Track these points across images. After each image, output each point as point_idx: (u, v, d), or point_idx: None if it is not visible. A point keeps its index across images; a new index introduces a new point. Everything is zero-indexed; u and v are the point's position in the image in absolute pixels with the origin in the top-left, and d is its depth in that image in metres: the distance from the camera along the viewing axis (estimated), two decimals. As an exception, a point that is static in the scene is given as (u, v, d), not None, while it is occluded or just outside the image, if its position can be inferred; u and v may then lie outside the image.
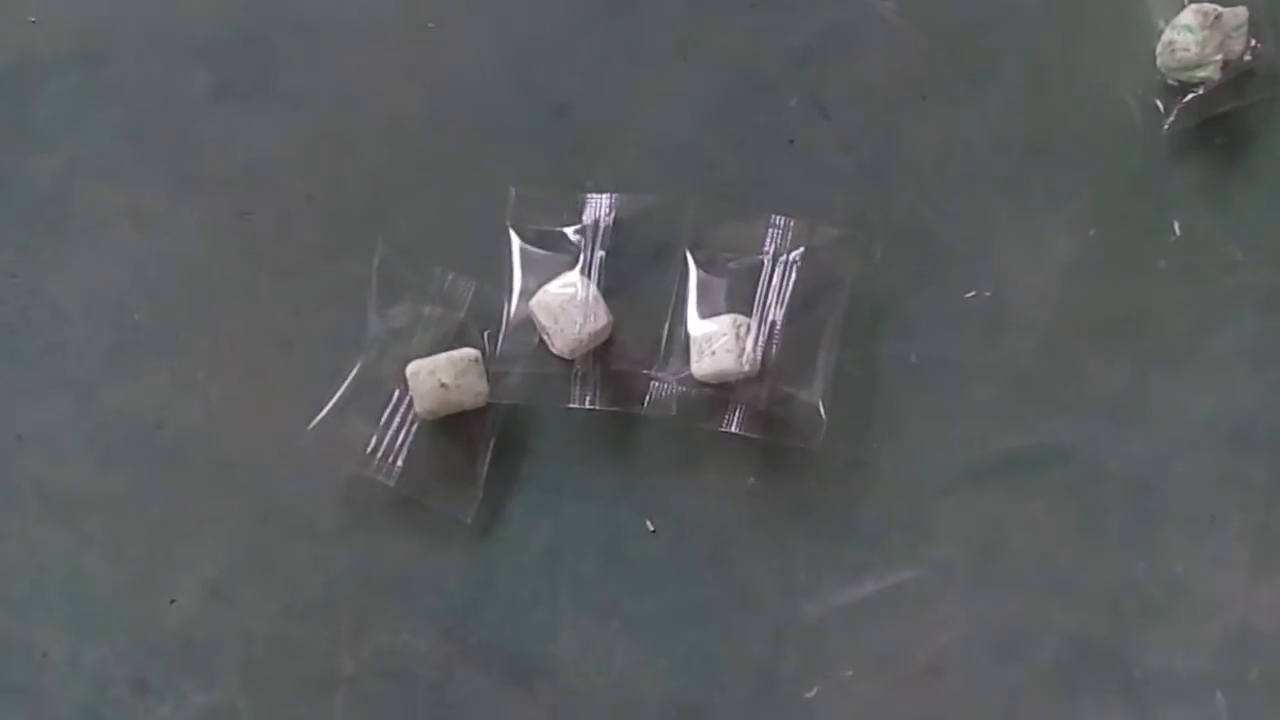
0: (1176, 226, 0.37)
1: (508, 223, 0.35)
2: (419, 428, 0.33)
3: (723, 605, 0.34)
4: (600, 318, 0.33)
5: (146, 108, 0.36)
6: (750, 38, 0.37)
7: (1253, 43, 0.37)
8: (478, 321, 0.34)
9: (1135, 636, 0.35)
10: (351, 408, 0.33)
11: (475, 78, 0.37)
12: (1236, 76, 0.37)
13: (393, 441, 0.33)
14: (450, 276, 0.34)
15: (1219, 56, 0.36)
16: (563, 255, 0.35)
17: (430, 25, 0.37)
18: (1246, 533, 0.35)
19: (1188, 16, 0.37)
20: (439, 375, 0.33)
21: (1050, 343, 0.36)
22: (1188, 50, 0.36)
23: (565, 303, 0.33)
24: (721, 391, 0.34)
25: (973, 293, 0.36)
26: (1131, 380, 0.36)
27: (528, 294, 0.34)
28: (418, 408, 0.33)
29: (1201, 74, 0.37)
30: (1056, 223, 0.37)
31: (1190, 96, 0.37)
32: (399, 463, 0.33)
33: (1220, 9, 0.37)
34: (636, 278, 0.35)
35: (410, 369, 0.33)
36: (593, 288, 0.34)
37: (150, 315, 0.35)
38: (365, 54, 0.36)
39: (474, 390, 0.33)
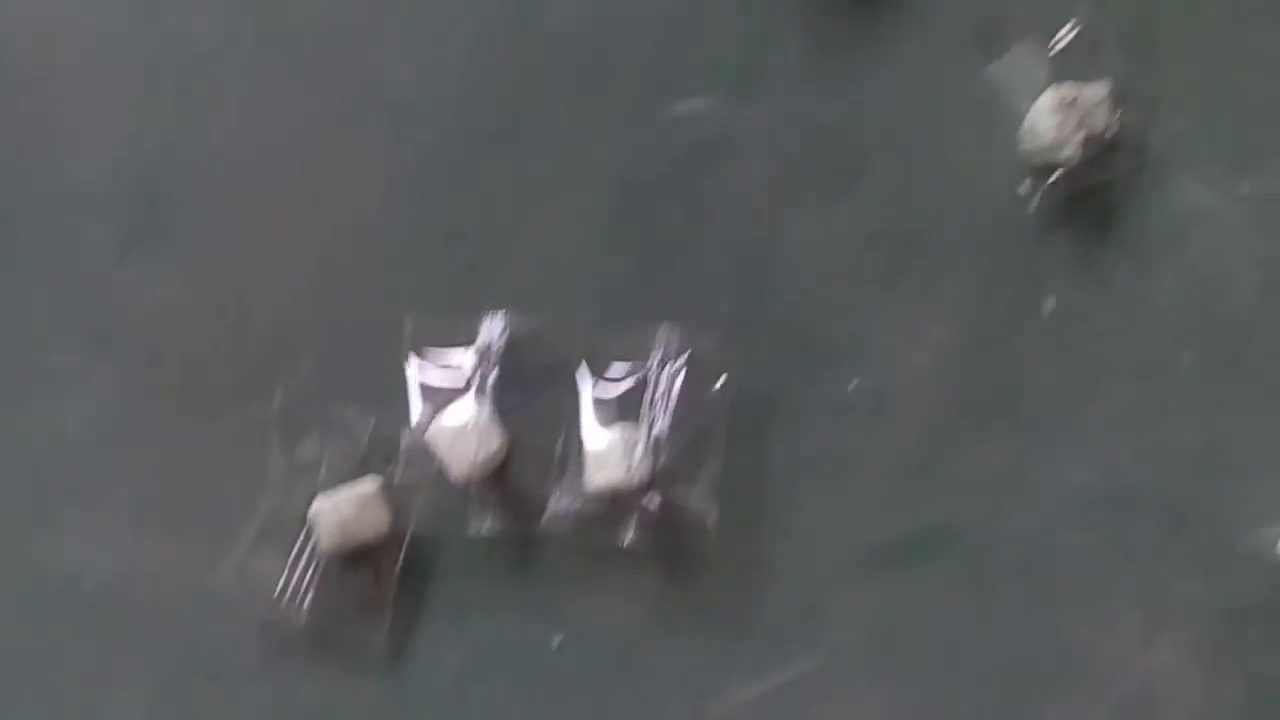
0: (1050, 300, 0.39)
1: (405, 352, 0.37)
2: (327, 563, 0.35)
3: (631, 714, 0.36)
4: (493, 441, 0.35)
5: (54, 267, 0.38)
6: (630, 152, 0.39)
7: (1115, 115, 0.39)
8: (381, 452, 0.36)
9: (1035, 710, 0.36)
10: (262, 548, 0.35)
11: (370, 211, 0.39)
12: (1100, 151, 0.39)
13: (301, 579, 0.35)
14: (350, 411, 0.36)
15: (1080, 135, 0.38)
16: (459, 380, 0.36)
17: (323, 164, 0.39)
18: (1137, 597, 0.37)
19: (1046, 101, 0.38)
20: (340, 511, 0.34)
21: (933, 425, 0.37)
22: (1048, 133, 0.38)
23: (459, 430, 0.35)
24: (616, 504, 0.36)
25: (855, 382, 0.38)
26: (1014, 456, 0.37)
27: (424, 423, 0.36)
28: (323, 544, 0.35)
29: (1064, 154, 0.38)
30: (932, 309, 0.38)
31: (1055, 176, 0.39)
32: (308, 599, 0.35)
33: (1078, 91, 0.38)
34: (532, 396, 0.37)
35: (312, 509, 0.34)
36: (487, 411, 0.35)
37: (67, 471, 0.37)
38: (261, 198, 0.38)
39: (376, 523, 0.35)
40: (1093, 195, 0.39)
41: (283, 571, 0.35)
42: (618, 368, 0.37)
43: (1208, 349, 0.39)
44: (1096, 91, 0.39)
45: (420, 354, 0.37)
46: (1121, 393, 0.38)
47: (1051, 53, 0.38)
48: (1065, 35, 0.39)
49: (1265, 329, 0.39)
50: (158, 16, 0.41)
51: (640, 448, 0.35)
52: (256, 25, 0.41)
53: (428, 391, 0.36)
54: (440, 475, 0.36)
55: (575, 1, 0.41)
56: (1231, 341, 0.39)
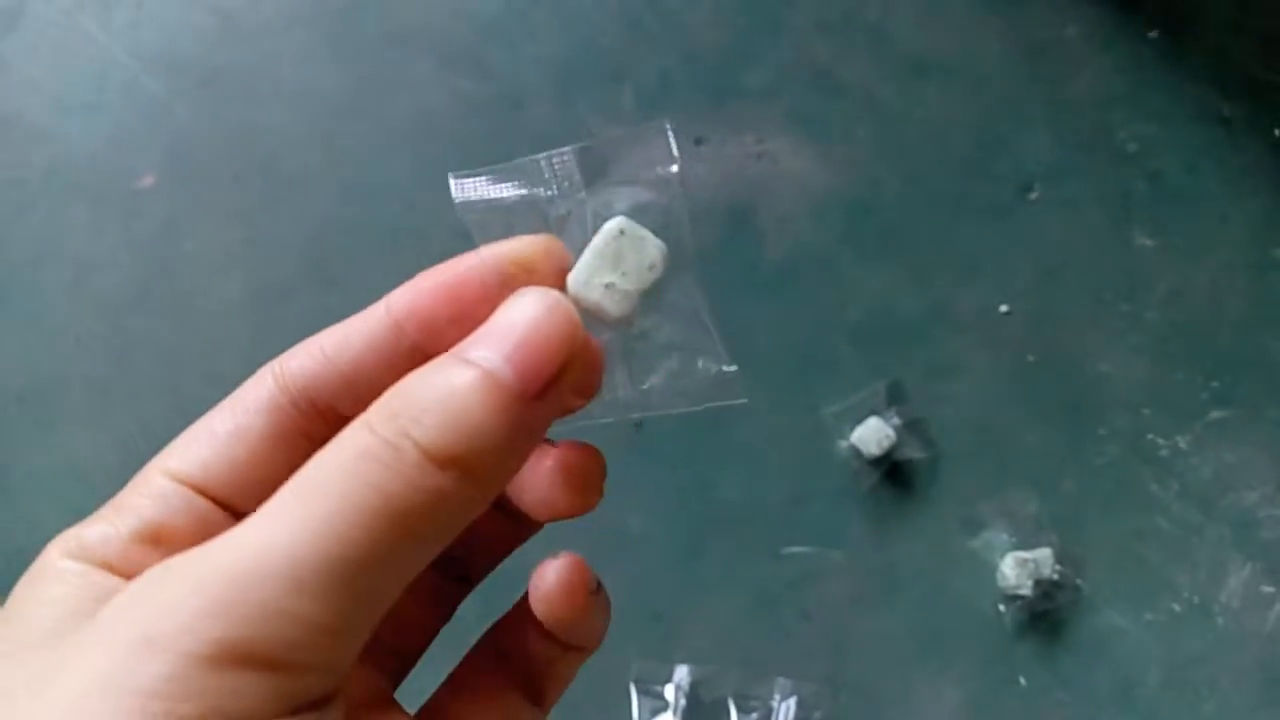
0: (1022, 679, 0.63)
1: (628, 685, 0.62)
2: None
3: None
4: (682, 741, 0.60)
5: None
6: (763, 577, 0.66)
7: (1058, 567, 0.65)
8: (614, 744, 0.61)
9: None
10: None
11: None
12: (1049, 588, 0.65)
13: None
14: None
15: (1031, 580, 0.64)
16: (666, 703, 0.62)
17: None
18: None
19: (1009, 561, 0.65)
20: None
21: (949, 755, 0.60)
22: (1009, 579, 0.64)
23: (662, 733, 0.60)
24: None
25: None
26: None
27: (641, 728, 0.61)
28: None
29: (1022, 590, 0.64)
30: (946, 678, 0.62)
31: (1020, 602, 0.64)
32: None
33: (1029, 555, 0.65)
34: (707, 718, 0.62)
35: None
36: (677, 724, 0.60)
37: None
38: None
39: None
40: (1046, 616, 0.64)
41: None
42: (753, 703, 0.62)
43: (1128, 716, 0.61)
44: (1043, 554, 0.66)
45: (639, 687, 0.62)
46: (1071, 742, 0.61)
47: (1007, 535, 0.65)
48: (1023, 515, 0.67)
49: (1166, 705, 0.61)
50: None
51: (767, 751, 0.59)
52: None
53: (642, 705, 0.62)
54: (649, 761, 0.60)
55: (735, 480, 0.70)
56: (1146, 713, 0.61)
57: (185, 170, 0.70)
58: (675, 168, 0.23)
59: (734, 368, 0.23)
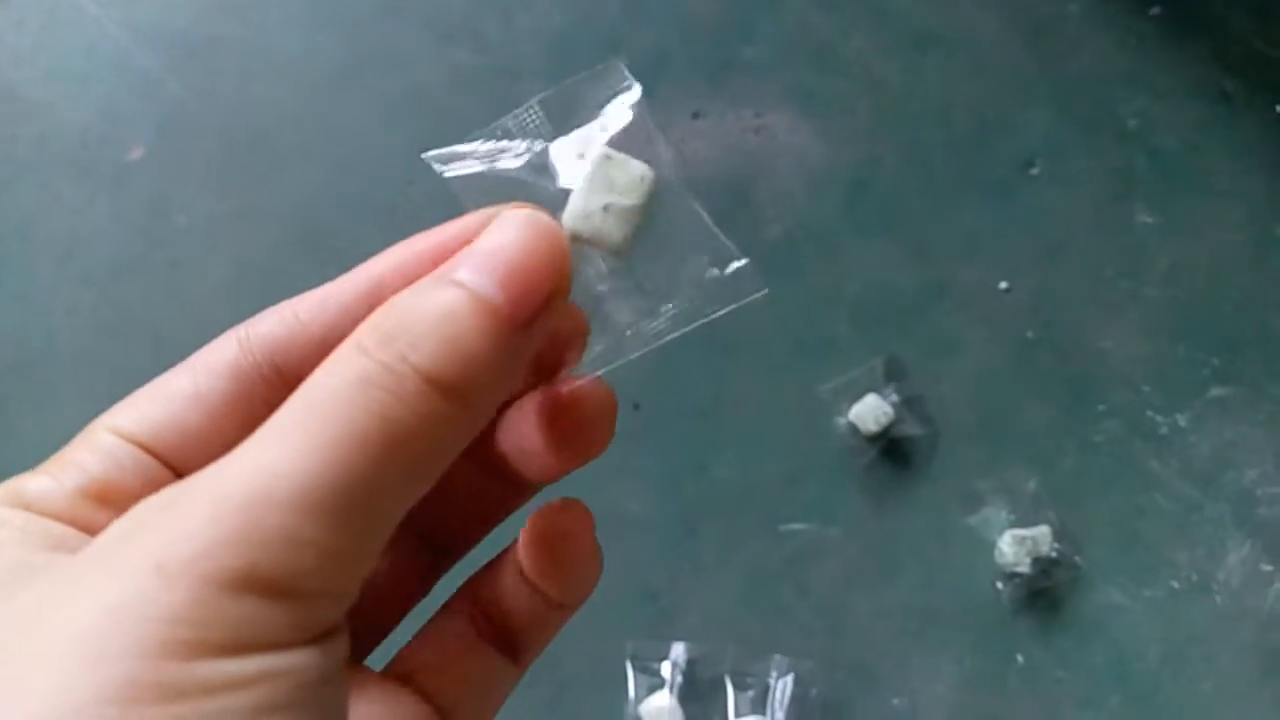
0: (1020, 657, 0.62)
1: (624, 665, 0.62)
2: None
3: None
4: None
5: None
6: (758, 554, 0.66)
7: (1056, 545, 0.65)
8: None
9: None
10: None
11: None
12: (1047, 566, 0.64)
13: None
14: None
15: (1029, 558, 0.64)
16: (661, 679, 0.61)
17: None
18: None
19: (1007, 538, 0.64)
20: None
21: (949, 732, 0.60)
22: (1008, 557, 0.64)
23: (658, 710, 0.59)
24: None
25: (897, 700, 0.61)
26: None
27: (633, 707, 0.60)
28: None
29: (1020, 568, 0.64)
30: (944, 656, 0.62)
31: (1018, 580, 0.64)
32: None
33: (1027, 532, 0.64)
34: (702, 694, 0.61)
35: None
36: (674, 704, 0.60)
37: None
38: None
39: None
40: (1044, 593, 0.64)
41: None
42: (750, 680, 0.61)
43: (1126, 694, 0.61)
44: (1041, 531, 0.65)
45: (636, 665, 0.62)
46: None
47: (1005, 512, 0.65)
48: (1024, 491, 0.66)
49: (1164, 682, 0.61)
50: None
51: (764, 728, 0.59)
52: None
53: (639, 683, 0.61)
54: (644, 736, 0.60)
55: (732, 459, 0.70)
56: (1144, 690, 0.61)
57: (176, 143, 0.69)
58: (637, 91, 0.23)
59: (745, 260, 0.23)
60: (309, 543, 0.17)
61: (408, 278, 0.21)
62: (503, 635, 0.25)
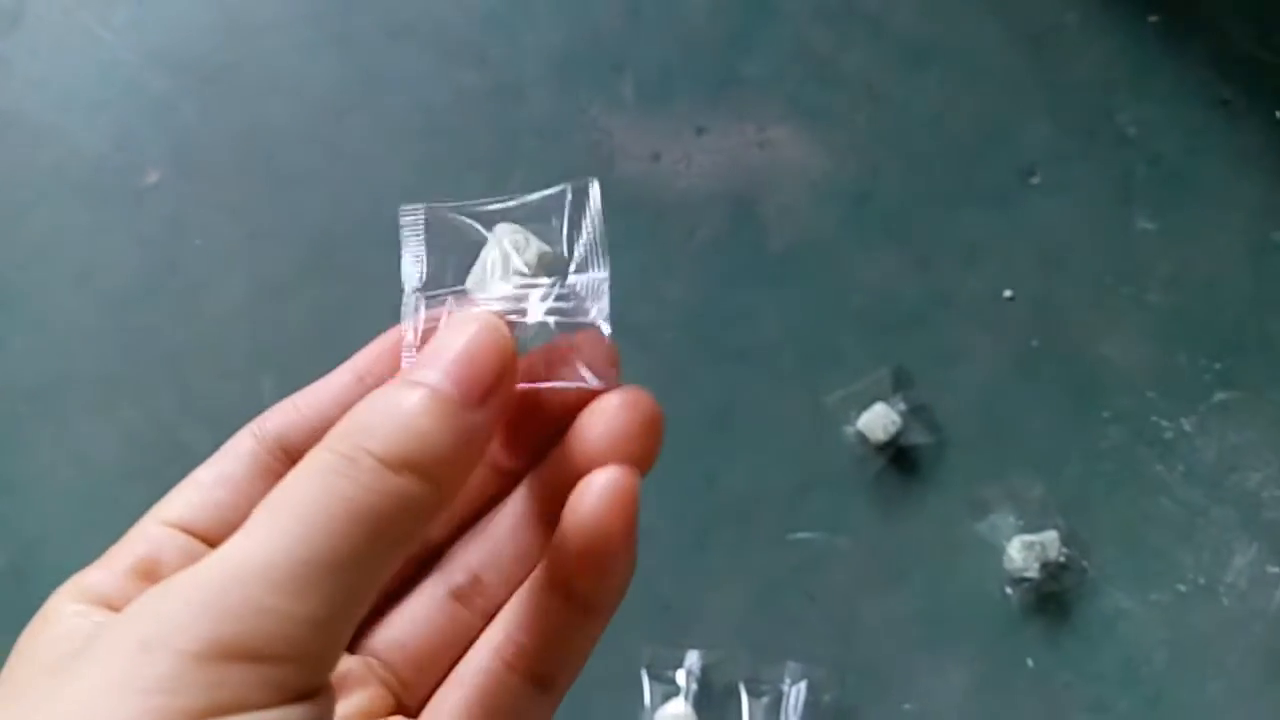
0: (1029, 661, 0.63)
1: (639, 671, 0.63)
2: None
3: None
4: (692, 726, 0.60)
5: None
6: (769, 561, 0.67)
7: (1064, 550, 0.66)
8: (624, 731, 0.61)
9: None
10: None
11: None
12: (1056, 571, 0.65)
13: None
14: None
15: (1038, 563, 0.64)
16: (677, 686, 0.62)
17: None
18: None
19: (1016, 544, 0.65)
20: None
21: (958, 737, 0.61)
22: (1016, 562, 0.64)
23: (674, 716, 0.60)
24: (762, 770, 0.60)
25: (908, 705, 0.62)
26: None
27: (650, 712, 0.61)
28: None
29: (1029, 574, 0.64)
30: (954, 661, 0.63)
31: (1026, 584, 0.65)
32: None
33: (1035, 538, 0.65)
34: (716, 702, 0.62)
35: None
36: (690, 711, 0.61)
37: None
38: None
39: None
40: (1052, 598, 0.65)
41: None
42: (764, 688, 0.62)
43: (1135, 696, 0.62)
44: (1049, 537, 0.66)
45: (651, 674, 0.63)
46: (1078, 723, 0.61)
47: (1013, 518, 0.65)
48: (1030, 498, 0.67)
49: (1172, 685, 0.62)
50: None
51: (777, 735, 0.60)
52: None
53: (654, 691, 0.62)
54: (659, 746, 0.61)
55: (741, 469, 0.70)
56: (1153, 693, 0.62)
57: (190, 167, 0.70)
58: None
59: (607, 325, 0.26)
60: (276, 611, 0.19)
61: (386, 367, 0.26)
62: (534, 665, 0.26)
